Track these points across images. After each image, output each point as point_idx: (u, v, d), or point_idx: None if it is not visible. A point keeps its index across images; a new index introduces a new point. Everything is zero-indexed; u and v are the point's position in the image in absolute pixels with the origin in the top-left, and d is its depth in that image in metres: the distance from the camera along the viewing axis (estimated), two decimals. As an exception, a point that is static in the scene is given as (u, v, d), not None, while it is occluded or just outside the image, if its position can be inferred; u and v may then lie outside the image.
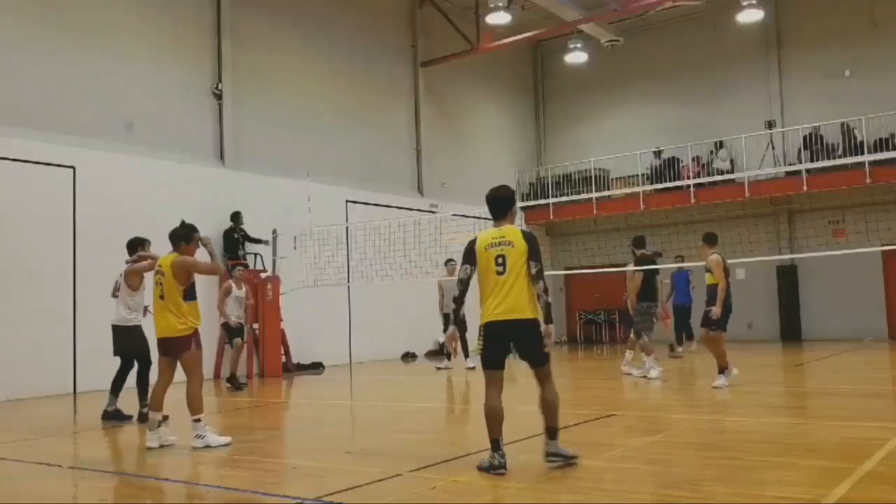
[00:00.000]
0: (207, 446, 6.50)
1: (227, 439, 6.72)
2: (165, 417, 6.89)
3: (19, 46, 12.11)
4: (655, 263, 11.76)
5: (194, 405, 6.61)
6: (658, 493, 4.62)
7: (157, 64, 13.90)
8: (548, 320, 5.29)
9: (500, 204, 5.57)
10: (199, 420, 6.61)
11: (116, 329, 8.63)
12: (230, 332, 12.17)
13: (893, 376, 11.86)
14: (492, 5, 17.51)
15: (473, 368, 12.69)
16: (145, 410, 8.32)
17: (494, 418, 5.27)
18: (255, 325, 14.19)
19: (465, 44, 18.90)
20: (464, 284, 5.44)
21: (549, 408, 5.37)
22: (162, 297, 6.84)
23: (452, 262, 13.38)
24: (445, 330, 12.81)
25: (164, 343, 6.81)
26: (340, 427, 8.26)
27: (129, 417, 8.46)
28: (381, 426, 8.04)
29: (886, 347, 15.77)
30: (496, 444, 5.23)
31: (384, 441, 6.84)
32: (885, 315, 18.17)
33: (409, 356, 17.73)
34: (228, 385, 11.95)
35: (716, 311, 9.58)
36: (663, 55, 21.39)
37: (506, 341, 5.32)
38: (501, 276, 5.26)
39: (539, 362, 5.35)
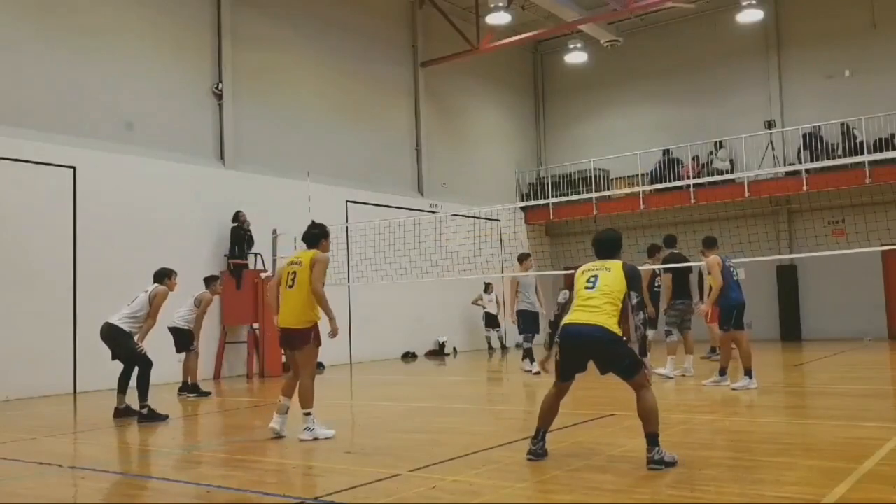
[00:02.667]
0: (315, 438, 6.72)
1: (333, 432, 6.92)
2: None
3: (19, 46, 12.11)
4: (686, 260, 11.70)
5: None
6: (657, 493, 4.62)
7: (157, 64, 13.90)
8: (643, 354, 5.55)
9: (602, 248, 5.73)
10: (309, 413, 6.80)
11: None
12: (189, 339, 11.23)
13: (893, 376, 11.86)
14: (492, 5, 17.51)
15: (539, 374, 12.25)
16: (145, 411, 8.37)
17: (541, 409, 5.58)
18: (256, 325, 14.20)
19: (465, 44, 18.91)
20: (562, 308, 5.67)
21: (643, 414, 5.33)
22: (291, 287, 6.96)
23: (529, 257, 12.70)
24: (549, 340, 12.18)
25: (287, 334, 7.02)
26: (340, 427, 8.25)
27: (166, 417, 8.55)
28: (381, 426, 8.04)
29: (886, 347, 15.76)
30: (536, 432, 5.53)
31: (384, 441, 6.84)
32: (885, 315, 18.17)
33: (409, 356, 17.73)
34: (193, 394, 11.05)
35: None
36: (663, 55, 21.40)
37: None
38: (589, 291, 5.43)
39: None
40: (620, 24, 20.65)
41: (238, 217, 14.25)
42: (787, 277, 19.28)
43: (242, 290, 14.07)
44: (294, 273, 6.99)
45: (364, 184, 17.45)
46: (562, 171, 21.93)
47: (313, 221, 7.53)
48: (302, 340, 6.94)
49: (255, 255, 14.72)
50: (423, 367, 15.78)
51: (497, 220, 19.07)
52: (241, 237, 14.24)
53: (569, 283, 5.87)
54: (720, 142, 19.61)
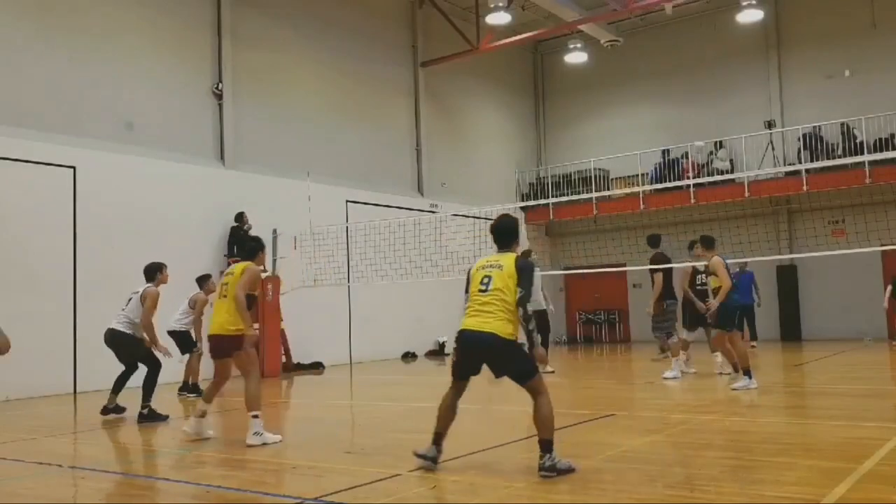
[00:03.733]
0: (265, 444, 6.61)
1: (279, 437, 6.81)
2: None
3: (19, 46, 12.11)
4: (670, 261, 11.73)
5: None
6: (657, 493, 4.62)
7: (157, 64, 13.90)
8: (531, 345, 5.37)
9: (500, 236, 5.62)
10: (256, 416, 6.74)
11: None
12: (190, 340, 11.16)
13: (893, 376, 11.86)
14: (492, 5, 17.50)
15: (552, 372, 12.21)
16: (146, 411, 8.38)
17: (439, 412, 5.53)
18: (256, 325, 14.18)
19: (465, 44, 18.90)
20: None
21: (538, 420, 5.25)
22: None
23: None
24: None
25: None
26: (340, 427, 8.26)
27: (167, 417, 8.57)
28: (381, 426, 8.04)
29: (886, 347, 15.75)
30: (434, 437, 5.47)
31: (384, 441, 6.84)
32: (885, 315, 18.15)
33: (409, 356, 17.73)
34: (193, 394, 10.91)
35: (711, 305, 9.67)
36: (663, 55, 21.40)
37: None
38: (482, 295, 5.36)
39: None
40: (620, 24, 20.65)
41: (240, 218, 14.26)
42: (787, 277, 19.28)
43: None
44: (226, 283, 7.15)
45: (364, 184, 17.45)
46: (562, 171, 21.93)
47: (252, 236, 7.63)
48: (235, 346, 6.96)
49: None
50: (423, 367, 15.78)
51: (497, 220, 19.04)
52: (241, 238, 14.24)
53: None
54: (720, 142, 19.61)
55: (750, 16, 18.63)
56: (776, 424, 7.30)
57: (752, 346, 16.16)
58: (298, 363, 14.78)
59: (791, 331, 19.11)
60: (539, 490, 4.86)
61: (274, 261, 14.57)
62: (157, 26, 14.00)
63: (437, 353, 18.41)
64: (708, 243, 10.15)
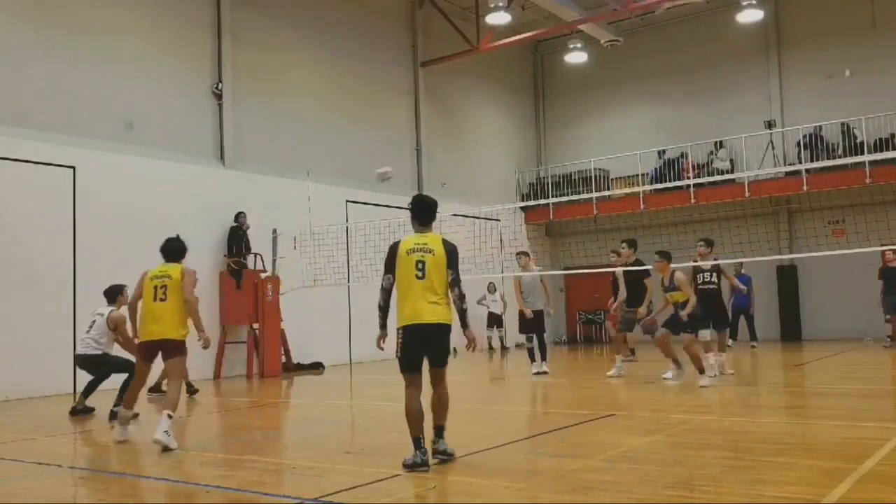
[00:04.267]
0: (167, 447, 6.48)
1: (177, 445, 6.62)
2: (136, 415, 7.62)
3: (19, 46, 12.11)
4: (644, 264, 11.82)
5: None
6: (657, 493, 4.62)
7: (157, 64, 13.90)
8: (465, 325, 5.64)
9: (426, 211, 5.74)
10: (171, 416, 6.67)
11: None
12: None
13: (893, 376, 11.86)
14: (492, 5, 17.51)
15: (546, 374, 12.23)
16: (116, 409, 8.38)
17: (411, 417, 5.45)
18: (255, 325, 14.20)
19: (465, 44, 18.90)
20: (387, 293, 5.64)
21: (441, 407, 5.59)
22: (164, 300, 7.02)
23: (524, 255, 12.58)
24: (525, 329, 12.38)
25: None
26: (340, 427, 8.26)
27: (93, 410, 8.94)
28: (381, 426, 8.04)
29: (886, 347, 15.72)
30: (418, 443, 5.41)
31: (384, 441, 6.83)
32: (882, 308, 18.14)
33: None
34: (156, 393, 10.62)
35: (686, 313, 9.85)
36: (663, 55, 21.40)
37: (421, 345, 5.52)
38: (420, 281, 5.46)
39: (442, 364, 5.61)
40: (620, 24, 20.64)
41: (238, 218, 14.26)
42: (787, 277, 19.28)
43: (242, 291, 14.06)
44: (164, 286, 7.02)
45: (364, 184, 17.45)
46: (562, 171, 21.94)
47: (174, 236, 7.63)
48: (178, 350, 6.99)
49: (255, 255, 14.72)
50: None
51: (497, 220, 19.06)
52: (238, 237, 14.24)
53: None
54: (720, 142, 19.61)
55: (750, 16, 18.63)
56: (776, 424, 7.30)
57: (753, 347, 16.20)
58: (298, 363, 14.78)
59: (791, 331, 19.11)
60: (539, 490, 4.86)
61: (274, 261, 14.57)
62: (157, 26, 14.00)
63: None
64: (666, 257, 10.34)
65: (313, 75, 16.90)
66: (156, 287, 7.03)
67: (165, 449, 6.42)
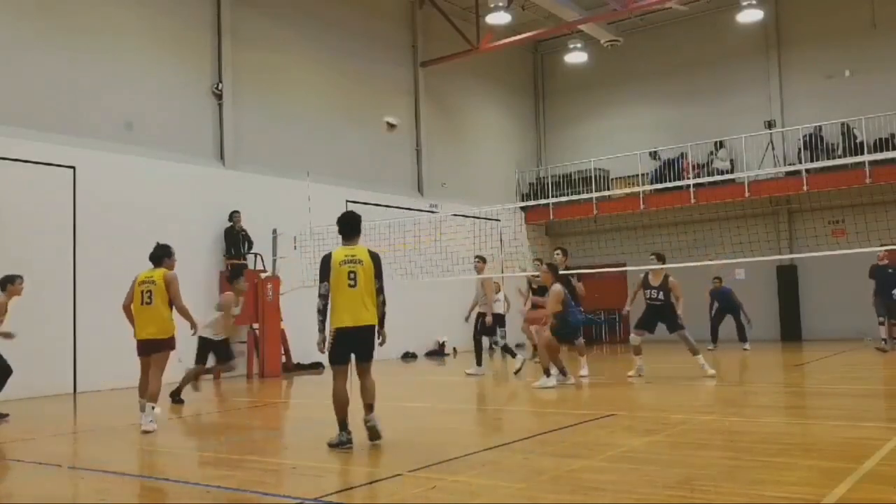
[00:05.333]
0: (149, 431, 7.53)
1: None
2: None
3: (19, 46, 12.11)
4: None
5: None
6: (657, 493, 4.62)
7: (157, 64, 13.90)
8: (382, 325, 6.59)
9: (352, 226, 6.79)
10: (154, 408, 7.75)
11: None
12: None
13: (893, 376, 11.85)
14: (492, 5, 17.51)
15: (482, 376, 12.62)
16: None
17: (340, 403, 6.34)
18: (255, 326, 14.19)
19: (465, 44, 18.91)
20: (324, 300, 6.45)
21: (370, 391, 6.52)
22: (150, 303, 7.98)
23: (480, 260, 13.13)
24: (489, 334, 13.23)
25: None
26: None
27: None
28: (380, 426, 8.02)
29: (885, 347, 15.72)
30: (343, 424, 6.27)
31: (384, 441, 6.83)
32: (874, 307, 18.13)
33: (409, 356, 17.72)
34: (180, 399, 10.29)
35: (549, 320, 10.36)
36: (663, 55, 21.40)
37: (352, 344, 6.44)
38: (353, 289, 6.37)
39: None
40: (620, 24, 20.65)
41: (232, 217, 14.24)
42: (787, 277, 19.28)
43: (242, 290, 14.04)
44: (150, 291, 7.94)
45: (364, 184, 17.44)
46: (562, 171, 21.93)
47: (158, 243, 8.42)
48: (163, 346, 7.97)
49: (255, 255, 14.71)
50: (423, 367, 15.78)
51: (497, 220, 19.06)
52: (234, 237, 14.22)
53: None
54: (720, 142, 19.61)
55: (750, 16, 18.63)
56: (776, 424, 7.29)
57: (745, 350, 15.96)
58: (298, 363, 14.78)
59: (791, 331, 19.10)
60: (539, 490, 4.86)
61: (274, 261, 14.57)
62: (157, 26, 14.00)
63: (437, 353, 18.41)
64: (554, 270, 10.80)
65: (313, 75, 16.90)
66: (142, 292, 7.97)
67: (145, 432, 7.45)
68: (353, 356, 6.48)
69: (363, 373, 6.54)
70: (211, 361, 10.59)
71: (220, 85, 14.79)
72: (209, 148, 14.74)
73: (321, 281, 6.41)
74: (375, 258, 6.57)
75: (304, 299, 14.71)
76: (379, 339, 6.60)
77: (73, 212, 12.33)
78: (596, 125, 22.69)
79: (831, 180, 17.21)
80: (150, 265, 8.14)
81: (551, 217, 21.25)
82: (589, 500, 4.55)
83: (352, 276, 6.36)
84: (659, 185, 18.66)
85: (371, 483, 5.05)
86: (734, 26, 19.51)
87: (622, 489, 4.75)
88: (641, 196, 19.35)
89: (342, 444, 6.22)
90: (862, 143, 17.37)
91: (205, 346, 10.30)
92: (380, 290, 6.48)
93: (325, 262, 6.48)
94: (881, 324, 14.74)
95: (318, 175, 15.97)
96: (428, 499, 4.68)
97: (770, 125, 18.83)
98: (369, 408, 6.47)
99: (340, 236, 6.75)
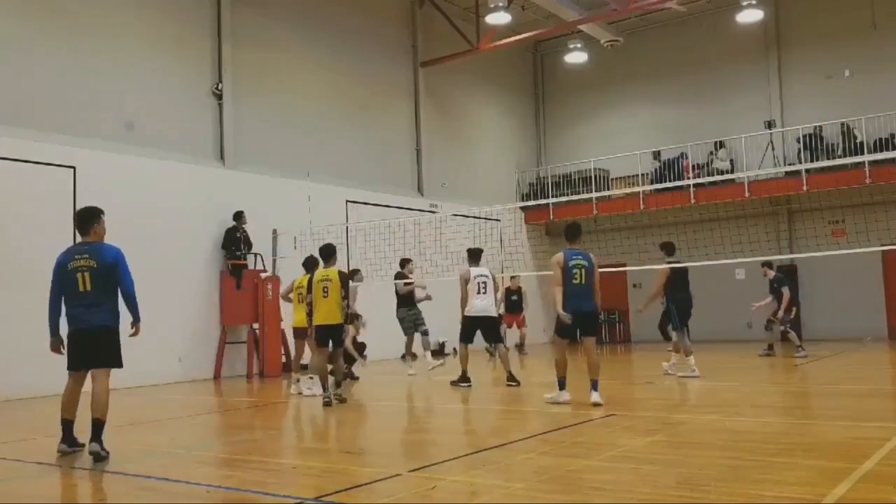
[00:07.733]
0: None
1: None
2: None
3: (19, 46, 12.10)
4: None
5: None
6: (658, 494, 4.62)
7: (157, 64, 13.90)
8: (347, 323, 9.56)
9: (327, 254, 9.59)
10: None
11: None
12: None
13: (893, 376, 11.86)
14: (492, 5, 17.50)
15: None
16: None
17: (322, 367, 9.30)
18: (256, 325, 14.19)
19: (465, 44, 18.91)
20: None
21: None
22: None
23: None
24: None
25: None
26: (340, 427, 8.26)
27: None
28: (381, 426, 8.04)
29: (886, 347, 15.75)
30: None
31: (384, 441, 6.83)
32: (885, 315, 18.16)
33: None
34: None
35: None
36: (663, 55, 21.40)
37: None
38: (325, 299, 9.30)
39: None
40: (620, 23, 20.65)
41: (238, 217, 14.24)
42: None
43: (242, 291, 14.06)
44: (326, 287, 9.50)
45: (364, 184, 17.44)
46: (562, 171, 21.93)
47: (326, 243, 9.88)
48: (342, 330, 9.67)
49: (255, 255, 14.72)
50: (423, 367, 15.74)
51: (497, 220, 19.06)
52: (235, 237, 14.22)
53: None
54: (720, 142, 19.60)
55: (750, 16, 18.63)
56: (776, 424, 7.30)
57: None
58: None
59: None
60: (539, 490, 4.86)
61: (274, 261, 14.57)
62: (157, 27, 14.00)
63: (437, 353, 18.37)
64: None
65: (313, 75, 16.90)
66: (323, 288, 9.44)
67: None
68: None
69: (334, 357, 9.48)
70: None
71: (220, 85, 14.79)
72: (209, 148, 14.74)
73: (307, 292, 9.68)
74: (342, 277, 9.42)
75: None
76: (344, 333, 9.51)
77: (73, 212, 12.30)
78: (596, 125, 22.69)
79: (831, 180, 17.20)
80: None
81: (551, 217, 21.24)
82: (589, 500, 4.55)
83: (325, 289, 9.28)
84: (659, 186, 18.66)
85: (371, 483, 5.05)
86: (734, 26, 19.51)
87: (622, 489, 4.74)
88: (641, 196, 19.35)
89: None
90: (862, 143, 17.37)
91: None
92: (344, 298, 9.33)
93: (309, 280, 9.76)
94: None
95: (318, 175, 15.97)
96: (428, 499, 4.68)
97: (770, 125, 18.82)
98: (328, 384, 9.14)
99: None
